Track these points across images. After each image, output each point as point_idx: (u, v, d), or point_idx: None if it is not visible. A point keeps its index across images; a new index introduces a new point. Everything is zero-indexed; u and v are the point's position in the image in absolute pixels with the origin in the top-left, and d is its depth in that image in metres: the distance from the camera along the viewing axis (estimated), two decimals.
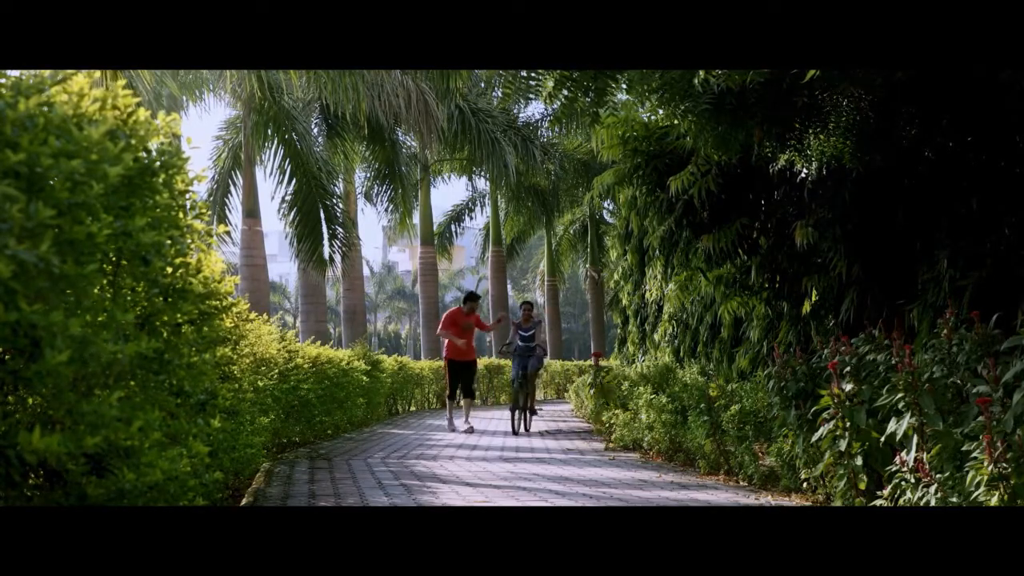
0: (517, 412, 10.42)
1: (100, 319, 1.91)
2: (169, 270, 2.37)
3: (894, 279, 6.10)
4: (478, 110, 18.63)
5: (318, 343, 9.28)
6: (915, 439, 3.48)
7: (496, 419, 13.11)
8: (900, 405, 3.57)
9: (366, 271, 40.73)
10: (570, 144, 20.74)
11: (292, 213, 14.73)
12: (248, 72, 12.65)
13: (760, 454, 5.51)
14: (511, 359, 10.85)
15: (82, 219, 1.74)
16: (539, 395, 23.66)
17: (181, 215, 2.43)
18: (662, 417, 6.99)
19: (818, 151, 6.28)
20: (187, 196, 2.46)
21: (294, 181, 14.55)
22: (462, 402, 10.93)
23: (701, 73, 5.25)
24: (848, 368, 4.17)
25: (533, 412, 10.95)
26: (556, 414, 14.83)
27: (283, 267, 57.07)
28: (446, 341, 10.80)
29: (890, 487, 3.60)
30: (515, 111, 19.17)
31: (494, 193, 24.29)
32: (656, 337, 12.29)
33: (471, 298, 10.95)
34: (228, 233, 14.32)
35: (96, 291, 1.98)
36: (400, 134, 18.10)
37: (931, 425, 3.43)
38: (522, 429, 10.44)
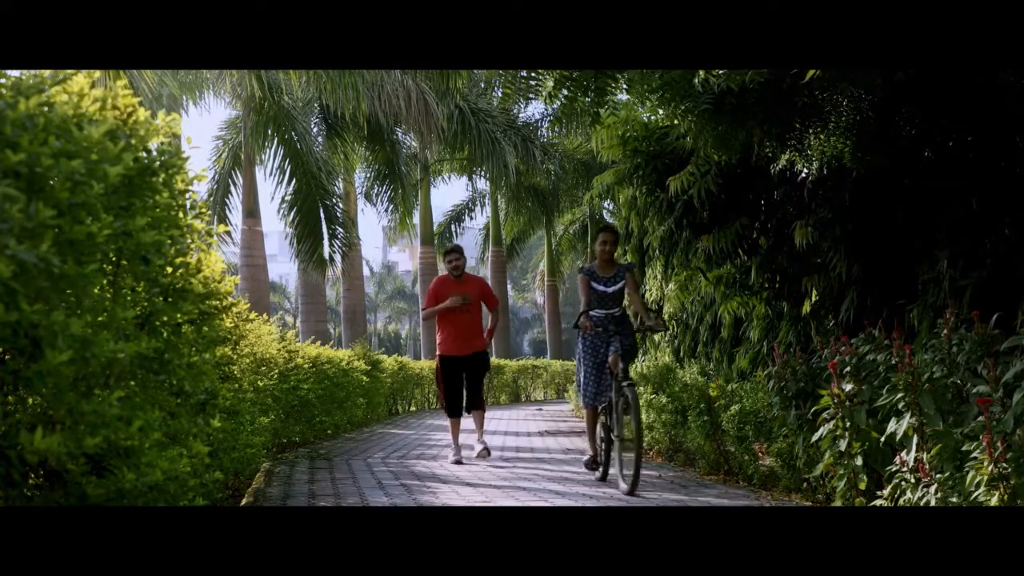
0: (600, 441, 5.66)
1: (100, 319, 1.91)
2: (169, 270, 2.38)
3: (894, 279, 6.11)
4: (478, 110, 18.63)
5: (318, 343, 9.28)
6: (915, 439, 3.48)
7: (496, 419, 13.09)
8: (900, 405, 3.57)
9: (366, 271, 40.74)
10: (570, 144, 20.74)
11: (292, 213, 14.75)
12: (248, 72, 12.66)
13: (760, 454, 5.51)
14: (579, 343, 5.71)
15: (82, 219, 1.74)
16: (540, 395, 23.45)
17: (181, 215, 2.43)
18: (662, 417, 6.99)
19: (818, 151, 6.29)
20: (187, 196, 2.46)
21: (294, 181, 14.56)
22: (467, 418, 7.27)
23: (701, 73, 5.25)
24: (848, 368, 4.17)
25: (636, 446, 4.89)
26: (556, 414, 14.83)
27: (283, 267, 57.10)
28: (438, 333, 7.12)
29: (890, 487, 3.60)
30: (515, 111, 19.17)
31: (494, 193, 24.29)
32: (656, 337, 12.29)
33: (451, 248, 7.10)
34: (228, 233, 14.33)
35: (96, 291, 1.98)
36: (400, 134, 18.10)
37: (931, 425, 3.43)
38: (622, 482, 5.06)
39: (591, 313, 5.63)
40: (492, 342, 26.09)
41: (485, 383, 7.70)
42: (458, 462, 6.74)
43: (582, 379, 5.64)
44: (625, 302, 5.83)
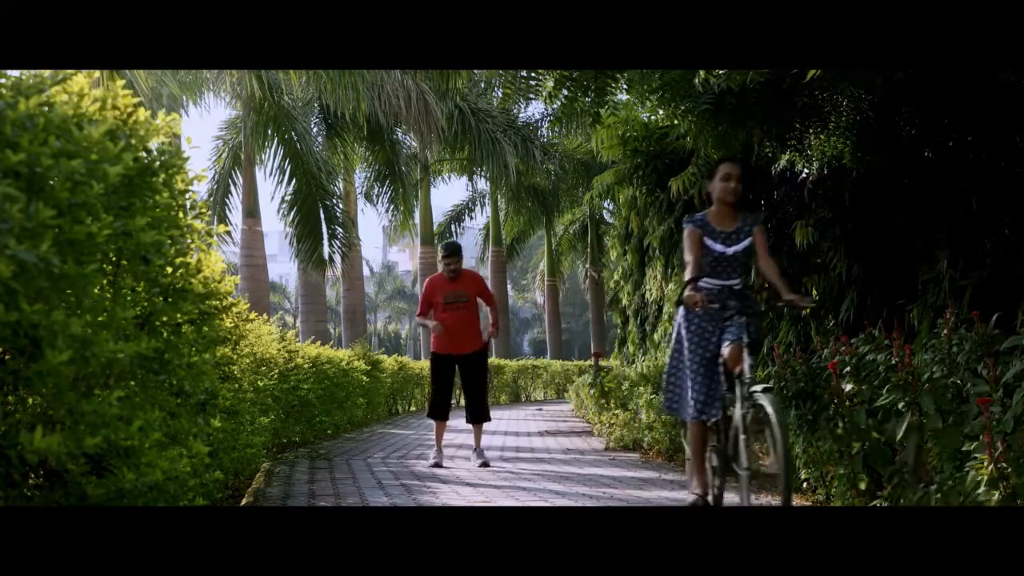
0: (711, 469, 4.04)
1: (100, 319, 1.91)
2: (169, 270, 2.38)
3: (894, 279, 6.11)
4: (478, 110, 18.62)
5: (318, 343, 9.28)
6: (915, 439, 3.48)
7: (496, 419, 13.06)
8: (900, 405, 3.57)
9: (366, 271, 40.69)
10: (570, 144, 20.74)
11: (292, 213, 14.74)
12: (248, 72, 12.65)
13: (760, 454, 5.50)
14: (682, 326, 4.09)
15: (82, 219, 1.74)
16: (540, 395, 23.42)
17: (181, 215, 2.43)
18: (662, 417, 6.98)
19: (818, 151, 6.29)
20: (187, 196, 2.46)
21: (294, 181, 14.56)
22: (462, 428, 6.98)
23: (701, 73, 5.26)
24: (848, 368, 4.17)
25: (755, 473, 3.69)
26: (556, 414, 14.82)
27: (283, 267, 57.04)
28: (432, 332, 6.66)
29: (890, 487, 3.60)
30: (515, 111, 19.17)
31: (494, 193, 24.29)
32: (656, 337, 12.28)
33: (450, 250, 6.60)
34: (228, 233, 14.31)
35: (96, 291, 1.98)
36: (400, 134, 18.10)
37: (931, 425, 3.43)
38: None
39: (705, 282, 3.99)
40: (493, 342, 25.82)
41: (487, 388, 6.89)
42: (437, 465, 6.43)
43: (685, 381, 3.98)
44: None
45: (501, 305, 24.63)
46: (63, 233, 1.69)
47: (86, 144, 1.78)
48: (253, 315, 5.79)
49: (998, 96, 5.15)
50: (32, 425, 1.74)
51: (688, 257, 3.96)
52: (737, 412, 3.68)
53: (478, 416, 6.74)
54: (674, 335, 4.14)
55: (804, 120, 6.03)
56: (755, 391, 3.56)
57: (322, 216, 14.89)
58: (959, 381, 3.59)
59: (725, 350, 3.83)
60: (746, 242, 4.00)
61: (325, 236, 14.99)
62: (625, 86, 5.77)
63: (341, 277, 19.51)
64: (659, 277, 10.67)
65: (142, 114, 2.22)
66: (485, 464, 6.50)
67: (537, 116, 25.16)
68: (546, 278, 28.00)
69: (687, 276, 3.92)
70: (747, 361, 3.67)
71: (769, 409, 3.42)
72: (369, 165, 19.35)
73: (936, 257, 5.48)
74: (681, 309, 4.02)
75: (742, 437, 3.64)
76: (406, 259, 67.41)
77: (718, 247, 3.98)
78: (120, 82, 2.28)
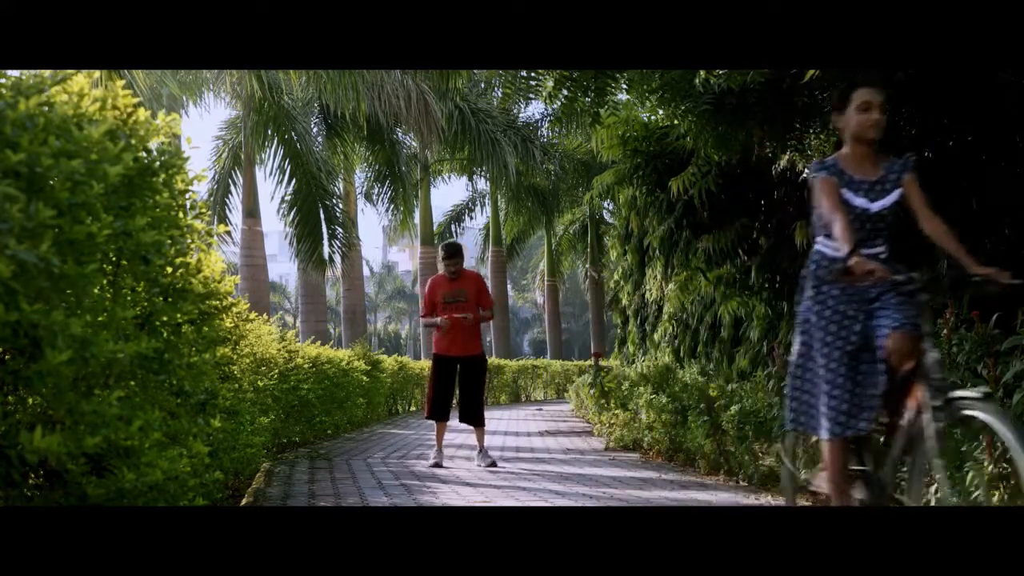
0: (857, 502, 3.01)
1: (100, 319, 1.91)
2: (169, 270, 2.38)
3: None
4: (478, 110, 18.63)
5: (318, 343, 9.28)
6: None
7: (496, 419, 13.09)
8: None
9: (366, 271, 40.67)
10: (570, 144, 20.75)
11: (292, 213, 14.75)
12: (248, 72, 12.66)
13: (760, 454, 5.50)
14: (811, 310, 3.05)
15: (82, 219, 1.74)
16: (540, 395, 23.41)
17: (181, 215, 2.43)
18: (662, 417, 6.99)
19: (818, 151, 6.29)
20: (187, 196, 2.46)
21: (294, 181, 14.56)
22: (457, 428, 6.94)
23: (701, 73, 5.26)
24: None
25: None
26: (556, 414, 14.83)
27: (283, 267, 57.03)
28: (434, 331, 6.85)
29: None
30: (515, 111, 19.17)
31: (494, 193, 24.30)
32: (656, 337, 12.29)
33: (451, 252, 6.66)
34: (228, 233, 14.31)
35: (96, 291, 1.98)
36: (400, 134, 18.11)
37: None
38: None
39: (824, 252, 3.08)
40: (492, 342, 25.61)
41: (484, 391, 6.91)
42: (437, 465, 6.50)
43: (818, 385, 3.02)
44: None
45: (501, 305, 24.60)
46: (63, 233, 1.69)
47: (86, 144, 1.78)
48: (253, 315, 5.78)
49: (998, 96, 5.15)
50: (32, 425, 1.74)
51: (833, 215, 2.88)
52: (928, 427, 2.66)
53: (471, 418, 6.77)
54: (798, 325, 3.14)
55: (804, 120, 6.03)
56: (961, 398, 2.59)
57: (322, 216, 14.90)
58: (959, 381, 3.59)
59: (885, 339, 2.88)
60: (895, 194, 3.01)
61: (325, 236, 15.00)
62: (625, 86, 5.78)
63: (341, 277, 19.52)
64: (659, 277, 10.69)
65: (142, 114, 2.22)
66: (493, 464, 6.51)
67: (537, 116, 25.18)
68: (546, 278, 28.02)
69: (842, 241, 2.78)
70: (932, 355, 2.70)
71: (1002, 429, 2.42)
72: (369, 165, 19.35)
73: (936, 257, 5.48)
74: (808, 289, 3.06)
75: (937, 462, 2.63)
76: (406, 259, 67.40)
77: (859, 201, 2.98)
78: (120, 82, 2.28)
